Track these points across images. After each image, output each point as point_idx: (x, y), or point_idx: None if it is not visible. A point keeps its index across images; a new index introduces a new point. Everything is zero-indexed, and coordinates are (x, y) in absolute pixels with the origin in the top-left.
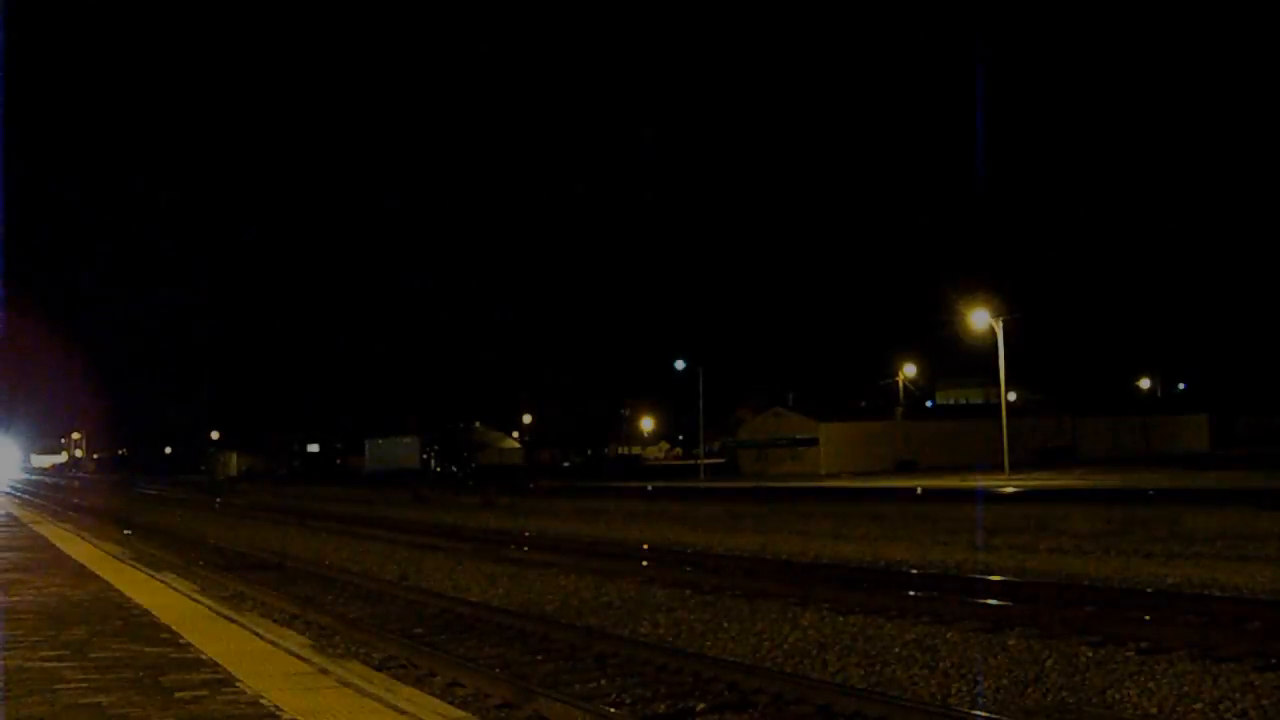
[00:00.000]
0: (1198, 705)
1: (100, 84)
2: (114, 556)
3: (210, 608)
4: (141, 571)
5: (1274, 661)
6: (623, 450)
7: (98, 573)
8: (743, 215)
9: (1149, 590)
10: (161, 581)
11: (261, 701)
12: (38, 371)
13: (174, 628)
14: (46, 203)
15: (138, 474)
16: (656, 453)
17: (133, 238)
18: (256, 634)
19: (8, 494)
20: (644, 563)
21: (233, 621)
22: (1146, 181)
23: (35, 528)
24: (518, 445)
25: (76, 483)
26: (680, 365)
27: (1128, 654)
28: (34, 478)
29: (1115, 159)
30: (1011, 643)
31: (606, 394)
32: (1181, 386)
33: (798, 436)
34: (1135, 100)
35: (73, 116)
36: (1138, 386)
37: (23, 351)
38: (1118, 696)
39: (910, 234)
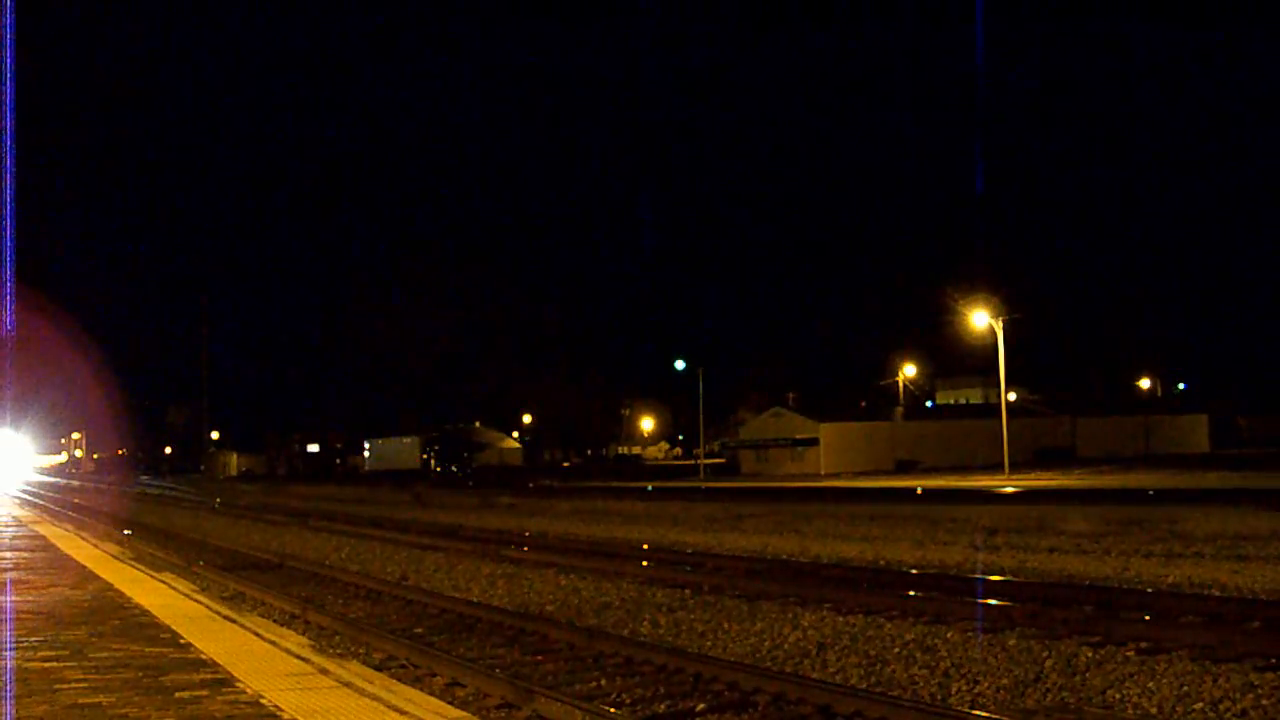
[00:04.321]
0: (1198, 705)
1: (111, 86)
2: (114, 557)
3: (210, 608)
4: (142, 571)
5: (1274, 661)
6: (623, 450)
7: (98, 573)
8: (743, 215)
9: (1149, 590)
10: (161, 581)
11: (261, 701)
12: (45, 371)
13: (174, 628)
14: (54, 199)
15: (137, 474)
16: (656, 453)
17: (134, 237)
18: (256, 634)
19: (15, 495)
20: (644, 563)
21: (233, 621)
22: (1146, 181)
23: (35, 528)
24: (518, 445)
25: (76, 483)
26: (680, 365)
27: (1128, 654)
28: (34, 478)
29: (1115, 158)
30: (1011, 643)
31: (606, 394)
32: (1181, 386)
33: (798, 436)
34: (1135, 99)
35: (83, 122)
36: (1138, 386)
37: (32, 351)
38: (1118, 696)
39: (910, 234)
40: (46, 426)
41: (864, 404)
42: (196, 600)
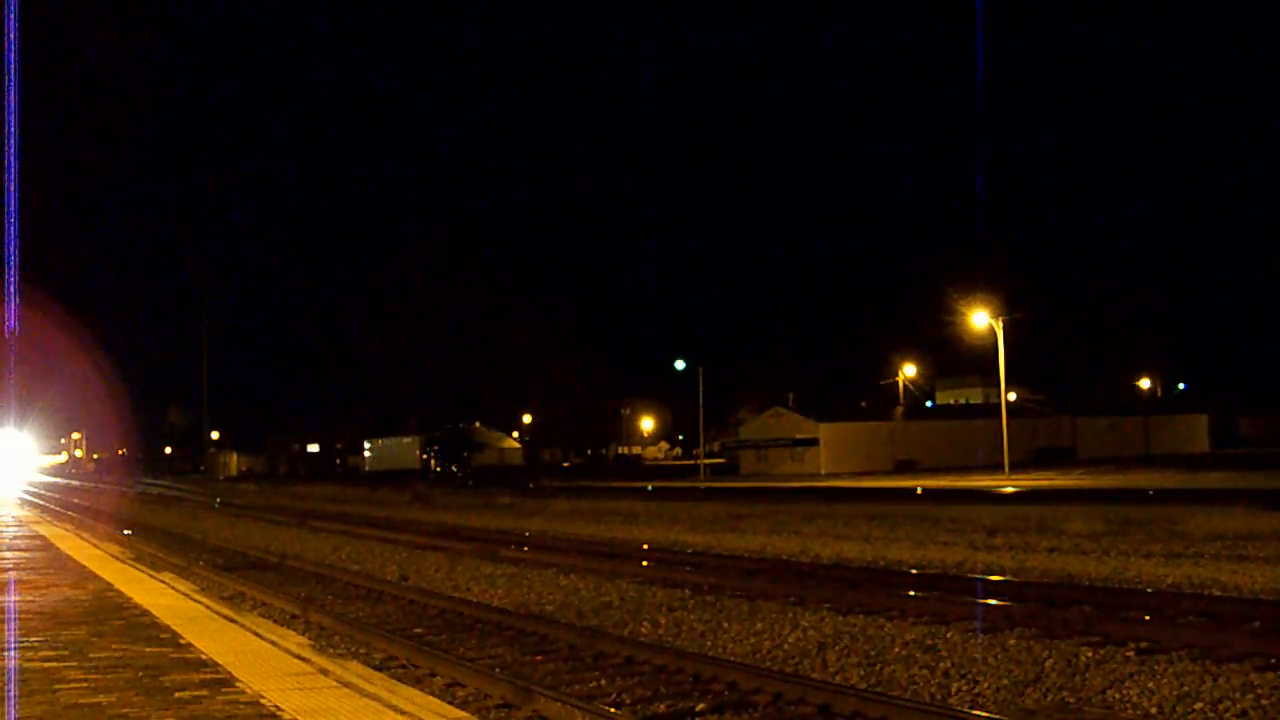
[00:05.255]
0: (1198, 705)
1: (114, 87)
2: (114, 557)
3: (210, 608)
4: (142, 571)
5: (1274, 661)
6: (623, 450)
7: (98, 573)
8: (743, 215)
9: (1149, 590)
10: (161, 581)
11: (261, 701)
12: (46, 371)
13: (174, 628)
14: (57, 199)
15: (137, 474)
16: (656, 453)
17: (133, 236)
18: (256, 634)
19: (17, 496)
20: (644, 563)
21: (233, 621)
22: (1147, 181)
23: (36, 528)
24: (518, 445)
25: (76, 483)
26: (680, 365)
27: (1128, 654)
28: (36, 478)
29: (1115, 158)
30: (1011, 643)
31: (606, 394)
32: (1181, 386)
33: (798, 436)
34: (1136, 99)
35: (86, 122)
36: (1138, 386)
37: (34, 350)
38: (1118, 696)
39: (911, 234)
40: (47, 426)
41: (864, 404)
42: (196, 600)
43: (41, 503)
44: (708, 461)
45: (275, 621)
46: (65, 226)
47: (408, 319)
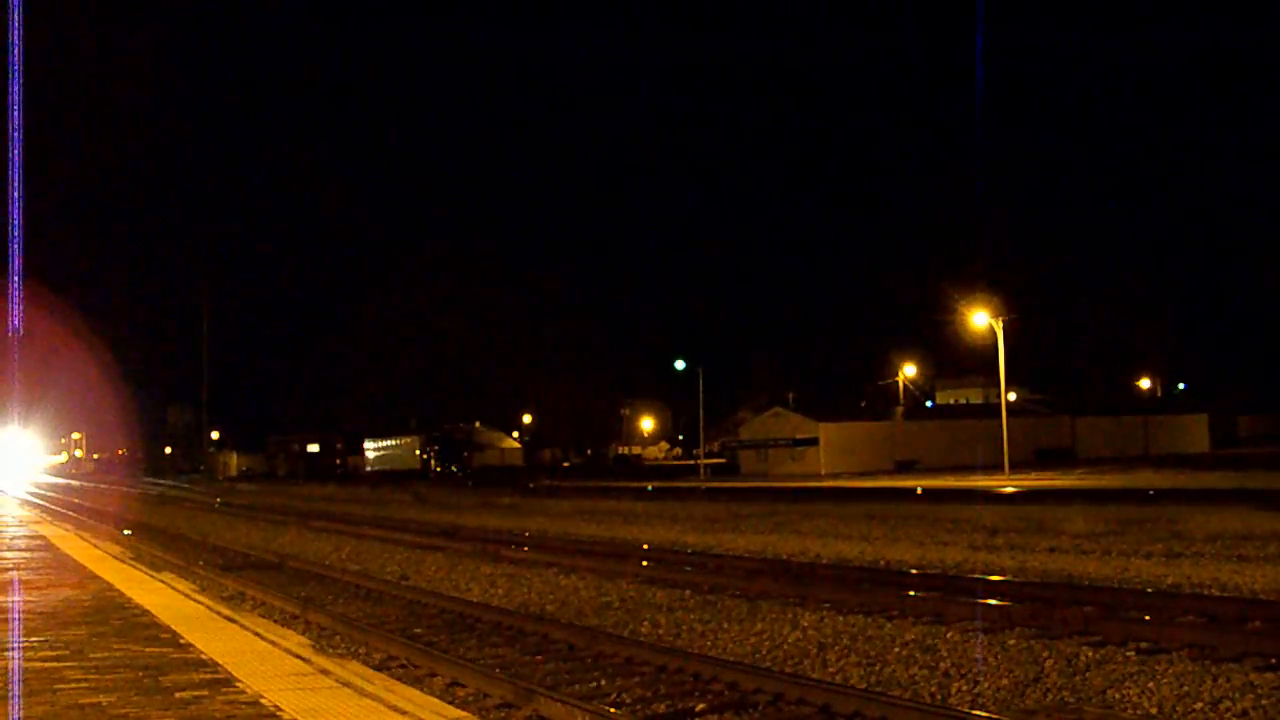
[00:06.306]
0: (1198, 705)
1: (116, 86)
2: (114, 557)
3: (210, 608)
4: (142, 572)
5: (1274, 661)
6: (623, 450)
7: (98, 573)
8: (743, 215)
9: (1149, 590)
10: (161, 582)
11: (261, 701)
12: (48, 370)
13: (174, 628)
14: (62, 200)
15: (138, 474)
16: (656, 453)
17: (135, 236)
18: (256, 634)
19: (18, 496)
20: (644, 563)
21: (233, 621)
22: (1146, 181)
23: (37, 528)
24: (518, 445)
25: (77, 483)
26: (680, 365)
27: (1128, 654)
28: (38, 478)
29: (1115, 158)
30: (1011, 643)
31: (606, 394)
32: (1181, 386)
33: (798, 436)
34: (1136, 99)
35: (88, 122)
36: (1138, 386)
37: (36, 350)
38: (1118, 696)
39: (910, 234)
40: (48, 426)
41: (864, 404)
42: (197, 600)
43: (43, 503)
44: (708, 461)
45: (275, 621)
46: (68, 227)
47: (408, 319)
